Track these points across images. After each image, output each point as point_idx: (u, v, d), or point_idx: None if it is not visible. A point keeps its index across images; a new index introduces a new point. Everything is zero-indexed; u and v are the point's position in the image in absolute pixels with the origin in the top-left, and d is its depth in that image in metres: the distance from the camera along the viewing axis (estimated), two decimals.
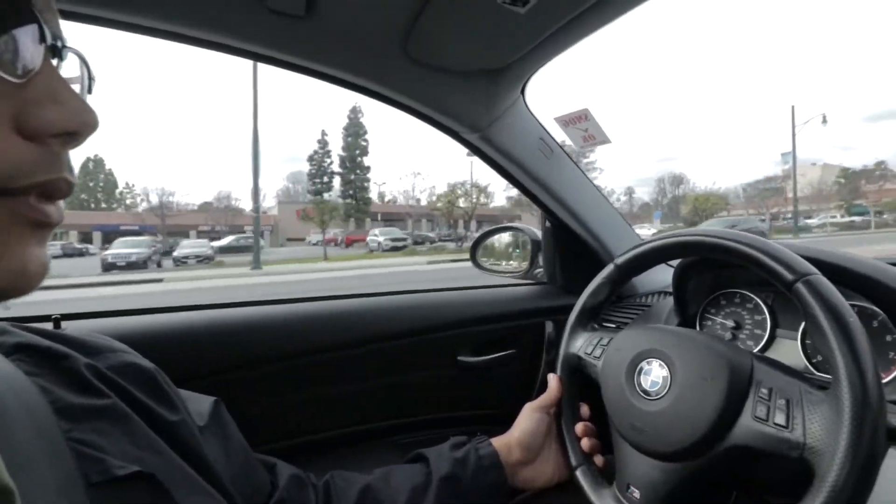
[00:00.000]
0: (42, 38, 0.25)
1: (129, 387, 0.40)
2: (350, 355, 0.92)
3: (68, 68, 0.30)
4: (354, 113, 30.69)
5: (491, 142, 0.83)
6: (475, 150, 0.85)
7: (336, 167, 30.53)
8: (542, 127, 0.89)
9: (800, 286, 0.47)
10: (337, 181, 30.87)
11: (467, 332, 1.02)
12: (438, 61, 0.66)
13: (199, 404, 0.48)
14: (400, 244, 24.88)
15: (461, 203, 27.73)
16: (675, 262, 0.82)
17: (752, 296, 0.79)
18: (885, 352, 0.62)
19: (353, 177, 30.54)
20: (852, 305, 0.66)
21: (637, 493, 0.55)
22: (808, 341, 0.68)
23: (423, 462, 0.63)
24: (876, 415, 0.41)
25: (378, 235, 25.82)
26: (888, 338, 0.62)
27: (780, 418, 0.46)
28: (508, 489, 0.64)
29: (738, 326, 0.80)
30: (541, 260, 1.16)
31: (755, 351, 0.74)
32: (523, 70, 0.71)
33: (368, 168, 31.39)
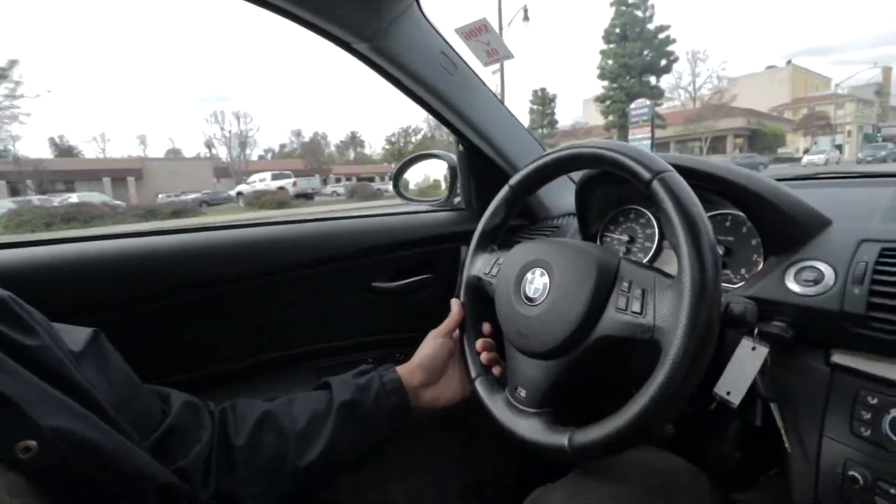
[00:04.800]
0: None
1: None
2: (264, 283, 0.90)
3: None
4: None
5: (384, 53, 0.77)
6: (369, 62, 0.79)
7: None
8: (445, 41, 0.85)
9: (655, 183, 0.49)
10: None
11: (382, 259, 1.01)
12: None
13: (74, 334, 0.48)
14: None
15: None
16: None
17: (644, 210, 0.83)
18: (751, 254, 0.68)
19: None
20: (725, 214, 0.71)
21: (523, 393, 0.58)
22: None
23: (327, 389, 0.64)
24: (710, 298, 0.45)
25: None
26: (753, 242, 0.68)
27: (636, 306, 0.49)
28: (411, 411, 0.66)
29: (632, 240, 0.85)
30: (459, 187, 1.16)
31: (644, 261, 0.79)
32: None
33: None
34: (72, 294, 0.73)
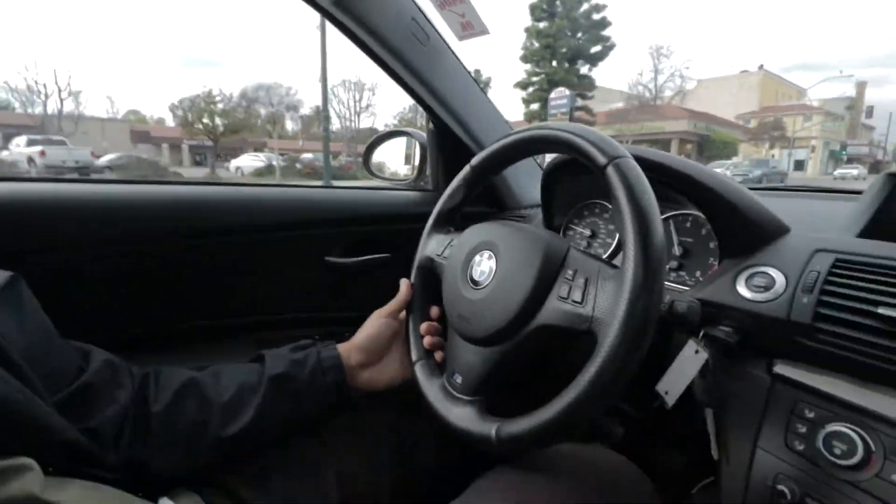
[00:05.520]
0: None
1: None
2: (207, 245, 0.86)
3: None
4: None
5: (349, 10, 0.72)
6: (332, 19, 0.74)
7: None
8: (417, 7, 0.80)
9: (610, 169, 0.47)
10: None
11: (336, 232, 0.97)
12: None
13: None
14: None
15: None
16: None
17: (607, 205, 0.81)
18: (707, 257, 0.67)
19: None
20: (686, 215, 0.69)
21: (459, 379, 0.56)
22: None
23: (260, 362, 0.62)
24: (650, 291, 0.42)
25: None
26: (711, 245, 0.66)
27: (576, 295, 0.47)
28: (348, 390, 0.65)
29: (594, 235, 0.83)
30: (428, 167, 1.12)
31: (604, 257, 0.77)
32: None
33: None
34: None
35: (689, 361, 0.52)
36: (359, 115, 29.41)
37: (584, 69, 24.54)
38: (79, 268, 0.76)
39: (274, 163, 18.88)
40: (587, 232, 0.83)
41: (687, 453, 0.75)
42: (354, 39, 0.77)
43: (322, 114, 12.80)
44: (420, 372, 0.63)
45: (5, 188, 0.71)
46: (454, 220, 0.72)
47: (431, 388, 0.60)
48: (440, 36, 0.86)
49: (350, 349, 0.66)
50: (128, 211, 0.79)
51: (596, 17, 23.49)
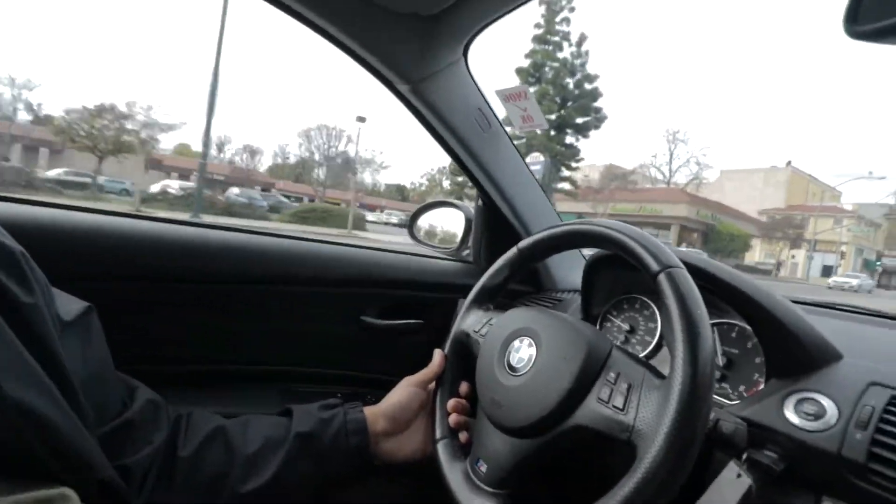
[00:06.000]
0: None
1: None
2: (249, 291, 0.89)
3: None
4: None
5: (423, 98, 0.80)
6: (407, 103, 0.82)
7: None
8: (484, 98, 0.87)
9: (662, 276, 0.48)
10: None
11: (375, 293, 1.00)
12: None
13: (68, 303, 0.47)
14: None
15: None
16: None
17: (650, 302, 0.81)
18: (752, 372, 0.65)
19: None
20: (732, 325, 0.68)
21: (484, 468, 0.55)
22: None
23: (287, 416, 0.62)
24: (699, 410, 0.41)
25: None
26: (757, 360, 0.65)
27: (618, 401, 0.46)
28: (371, 456, 0.63)
29: (633, 331, 0.82)
30: (470, 240, 1.15)
31: (642, 355, 0.76)
32: (463, 24, 0.69)
33: None
34: (67, 262, 0.73)
35: (730, 486, 0.49)
36: (328, 160, 30.06)
37: (571, 139, 22.71)
38: (131, 298, 0.79)
39: (171, 190, 18.00)
40: (626, 326, 0.83)
41: None
42: (423, 121, 0.84)
43: (203, 138, 13.04)
44: (442, 452, 0.61)
45: (48, 214, 0.76)
46: (494, 299, 0.73)
47: (453, 473, 0.58)
48: (500, 124, 0.92)
49: (376, 415, 0.65)
50: (171, 249, 0.83)
51: (588, 86, 22.02)
